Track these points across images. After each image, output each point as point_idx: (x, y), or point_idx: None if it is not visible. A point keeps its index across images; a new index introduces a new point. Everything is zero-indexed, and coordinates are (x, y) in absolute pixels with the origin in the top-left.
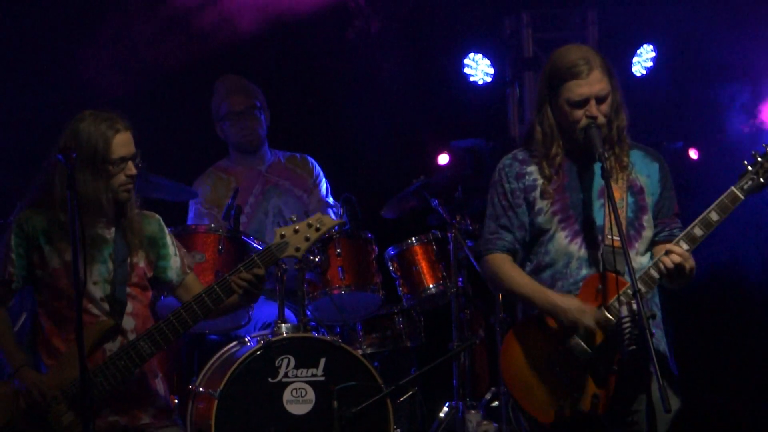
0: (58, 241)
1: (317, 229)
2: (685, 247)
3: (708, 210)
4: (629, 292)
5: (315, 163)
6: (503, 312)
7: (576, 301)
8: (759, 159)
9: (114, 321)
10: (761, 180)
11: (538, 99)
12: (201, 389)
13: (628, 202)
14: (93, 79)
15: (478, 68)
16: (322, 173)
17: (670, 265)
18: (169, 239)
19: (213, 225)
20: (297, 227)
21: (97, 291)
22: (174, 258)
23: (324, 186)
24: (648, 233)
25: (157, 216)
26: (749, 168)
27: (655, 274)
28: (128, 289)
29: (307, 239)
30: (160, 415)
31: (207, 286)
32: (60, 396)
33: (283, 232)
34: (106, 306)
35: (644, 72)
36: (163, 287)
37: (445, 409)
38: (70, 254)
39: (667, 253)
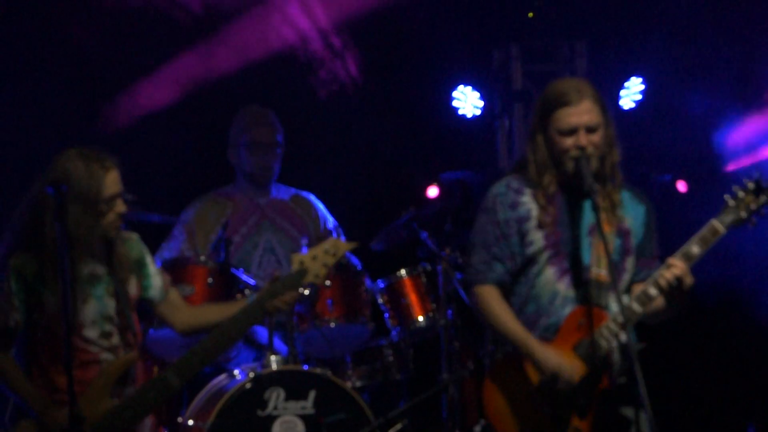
0: (53, 284)
1: (333, 255)
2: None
3: (688, 243)
4: (611, 326)
5: (318, 203)
6: (492, 344)
7: (553, 359)
8: (740, 194)
9: (136, 354)
10: (742, 214)
11: (530, 129)
12: (190, 422)
13: (615, 244)
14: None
15: (467, 100)
16: (326, 212)
17: (670, 277)
18: (149, 258)
19: (202, 258)
20: (314, 253)
21: (92, 331)
22: (155, 277)
23: (332, 224)
24: (630, 276)
25: (135, 235)
26: (730, 203)
27: (652, 291)
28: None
29: (325, 265)
30: None
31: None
32: None
33: (301, 259)
34: (105, 342)
35: (633, 105)
36: (147, 306)
37: None
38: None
39: (668, 266)
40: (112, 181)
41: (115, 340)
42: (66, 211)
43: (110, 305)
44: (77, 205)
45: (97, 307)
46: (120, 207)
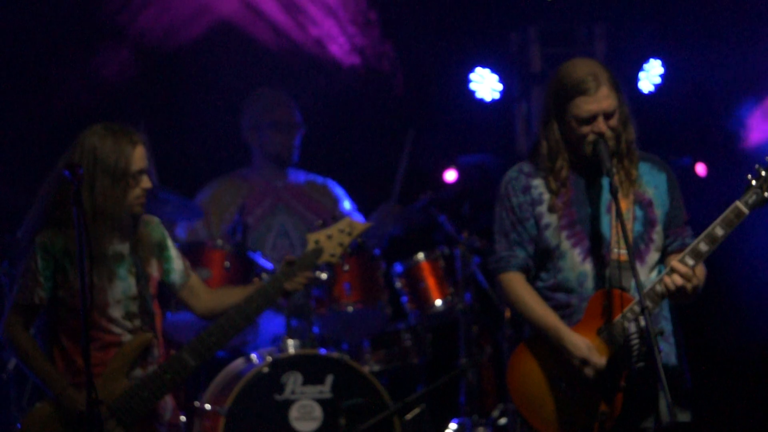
0: (84, 257)
1: (349, 234)
2: (690, 262)
3: (713, 225)
4: (635, 308)
5: (336, 188)
6: (511, 328)
7: (583, 346)
8: (763, 173)
9: (152, 335)
10: (765, 194)
11: (543, 113)
12: (207, 406)
13: (636, 215)
14: (100, 88)
15: (485, 83)
16: (345, 197)
17: (671, 286)
18: (170, 241)
19: (219, 241)
20: (329, 233)
21: (117, 310)
22: (176, 260)
23: (349, 207)
24: (658, 245)
25: (156, 218)
26: (753, 182)
27: (660, 289)
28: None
29: (341, 245)
30: (172, 429)
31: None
32: (107, 413)
33: (316, 238)
34: (128, 324)
35: (652, 88)
36: (168, 290)
37: (453, 426)
38: (93, 275)
39: (671, 271)
40: (139, 156)
41: (138, 322)
42: (93, 186)
43: (133, 285)
44: (105, 179)
45: (121, 286)
46: (146, 183)
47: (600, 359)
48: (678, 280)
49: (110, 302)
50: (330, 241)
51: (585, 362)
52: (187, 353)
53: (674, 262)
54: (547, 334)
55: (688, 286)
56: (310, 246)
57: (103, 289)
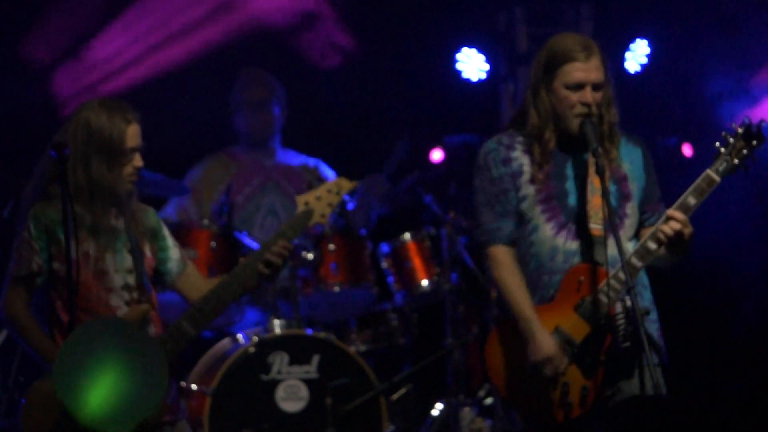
0: (74, 233)
1: (337, 193)
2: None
3: (685, 194)
4: (612, 282)
5: (327, 171)
6: (497, 308)
7: (547, 348)
8: (731, 140)
9: (149, 306)
10: (735, 161)
11: (533, 82)
12: (193, 386)
13: (610, 190)
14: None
15: (472, 63)
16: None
17: (669, 232)
18: (165, 231)
19: (205, 221)
20: (318, 194)
21: (115, 280)
22: (173, 249)
23: None
24: (632, 221)
25: (151, 208)
26: (722, 150)
27: (652, 245)
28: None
29: (330, 204)
30: (173, 408)
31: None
32: None
33: (306, 200)
34: (126, 295)
35: (638, 68)
36: (163, 280)
37: (439, 406)
38: (88, 245)
39: (667, 219)
40: (133, 134)
41: (135, 294)
42: (87, 160)
43: (128, 259)
44: (100, 154)
45: (117, 258)
46: (138, 161)
47: (563, 363)
48: (676, 225)
49: (108, 270)
50: (319, 202)
51: (547, 362)
52: (186, 322)
53: (670, 210)
54: (519, 323)
55: (686, 231)
56: (300, 208)
57: (101, 258)
